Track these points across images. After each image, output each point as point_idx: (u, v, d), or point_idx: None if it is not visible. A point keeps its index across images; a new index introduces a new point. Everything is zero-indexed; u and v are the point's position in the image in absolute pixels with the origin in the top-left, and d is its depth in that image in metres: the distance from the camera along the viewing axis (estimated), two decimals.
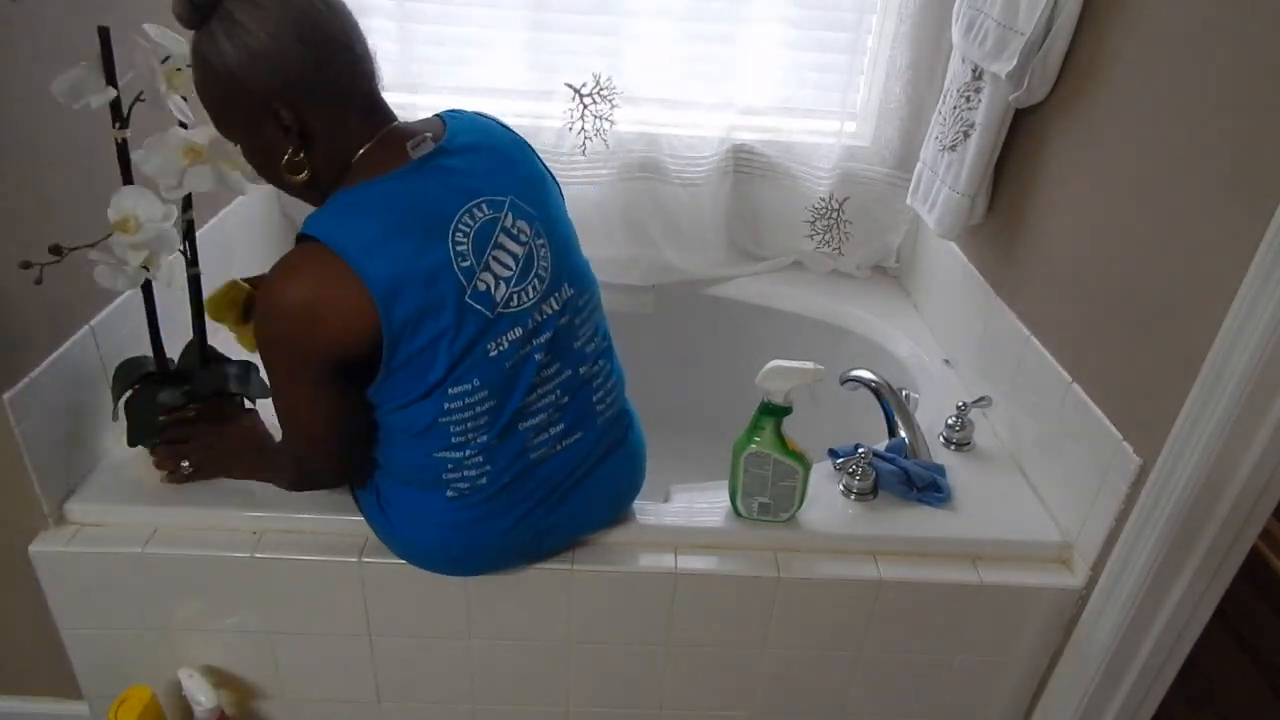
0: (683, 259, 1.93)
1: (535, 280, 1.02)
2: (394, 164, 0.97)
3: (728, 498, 1.26)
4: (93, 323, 1.23)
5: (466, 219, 0.97)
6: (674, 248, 1.93)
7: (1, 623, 1.28)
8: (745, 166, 1.90)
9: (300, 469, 1.12)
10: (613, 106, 1.78)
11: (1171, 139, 1.09)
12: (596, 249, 1.91)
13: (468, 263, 0.97)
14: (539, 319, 1.03)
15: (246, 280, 1.22)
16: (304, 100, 0.93)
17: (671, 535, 1.25)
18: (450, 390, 1.00)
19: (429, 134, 0.99)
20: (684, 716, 1.36)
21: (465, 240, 0.97)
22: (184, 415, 1.20)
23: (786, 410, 1.17)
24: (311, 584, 1.21)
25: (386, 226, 0.94)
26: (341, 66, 0.93)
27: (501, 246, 0.99)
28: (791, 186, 1.90)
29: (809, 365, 1.14)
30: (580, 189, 1.85)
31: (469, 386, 1.00)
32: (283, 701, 1.34)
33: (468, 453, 1.05)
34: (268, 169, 1.00)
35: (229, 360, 1.25)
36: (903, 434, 1.39)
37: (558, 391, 1.08)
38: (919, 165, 1.68)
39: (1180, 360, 1.05)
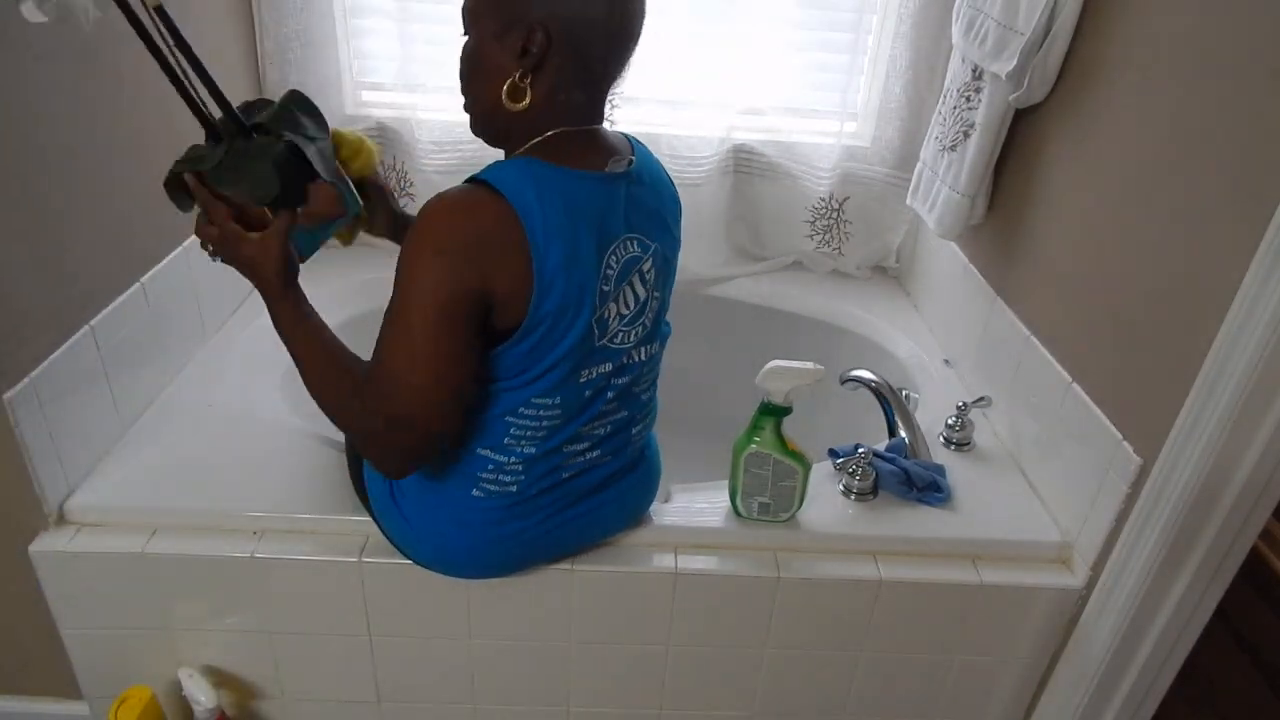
0: (683, 259, 1.93)
1: (639, 327, 1.05)
2: (591, 165, 0.97)
3: (728, 498, 1.26)
4: (93, 323, 1.23)
5: (622, 248, 0.99)
6: None
7: (1, 623, 1.28)
8: (745, 166, 1.90)
9: (372, 403, 0.94)
10: (613, 106, 1.77)
11: (1171, 139, 1.09)
12: None
13: (608, 287, 0.98)
14: (626, 362, 1.06)
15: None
16: (563, 46, 0.90)
17: (671, 535, 1.25)
18: (534, 399, 1.00)
19: (630, 158, 1.01)
20: (684, 716, 1.36)
21: (615, 266, 0.98)
22: (206, 185, 0.97)
23: (786, 410, 1.17)
24: (311, 584, 1.21)
25: (573, 220, 0.92)
26: (614, 49, 0.94)
27: (632, 285, 1.02)
28: (792, 186, 1.90)
29: (809, 365, 1.14)
30: None
31: (550, 401, 1.01)
32: (283, 701, 1.34)
33: (511, 458, 1.05)
34: (473, 79, 0.97)
35: (281, 132, 0.98)
36: (903, 434, 1.39)
37: (609, 427, 1.10)
38: (919, 165, 1.68)
39: (1180, 360, 1.05)
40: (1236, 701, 1.39)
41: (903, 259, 1.99)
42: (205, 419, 1.37)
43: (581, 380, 1.01)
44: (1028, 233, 1.42)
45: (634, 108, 1.79)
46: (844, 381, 1.47)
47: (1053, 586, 1.23)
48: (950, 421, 1.43)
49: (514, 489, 1.07)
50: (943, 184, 1.55)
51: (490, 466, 1.05)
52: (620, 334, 1.02)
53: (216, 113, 0.98)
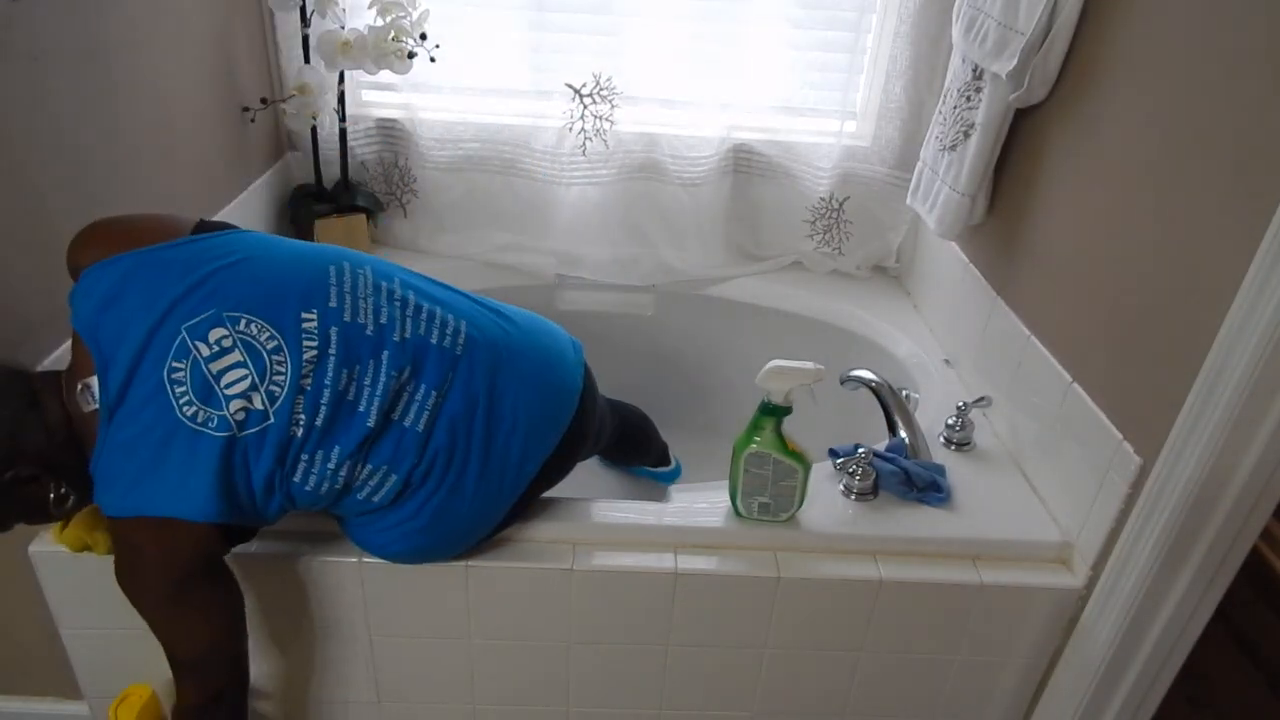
0: (683, 259, 1.93)
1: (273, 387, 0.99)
2: None
3: (728, 498, 1.26)
4: None
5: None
6: (674, 248, 1.93)
7: (1, 623, 1.28)
8: (745, 166, 1.90)
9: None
10: (613, 106, 1.78)
11: (1171, 139, 1.09)
12: (596, 249, 1.92)
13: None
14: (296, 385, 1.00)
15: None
16: None
17: (671, 535, 1.25)
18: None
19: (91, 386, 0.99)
20: (684, 716, 1.36)
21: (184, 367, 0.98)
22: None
23: (786, 410, 1.17)
24: (312, 584, 1.21)
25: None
26: None
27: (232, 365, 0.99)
28: (791, 186, 1.90)
29: (809, 365, 1.14)
30: (580, 189, 1.85)
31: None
32: (283, 701, 1.34)
33: (330, 462, 1.01)
34: None
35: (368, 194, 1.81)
36: (903, 434, 1.39)
37: (381, 383, 1.03)
38: (919, 165, 1.68)
39: (1180, 360, 1.05)
40: (1236, 701, 1.39)
41: (903, 259, 1.99)
42: None
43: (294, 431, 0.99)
44: (1028, 232, 1.42)
45: (634, 108, 1.79)
46: (844, 381, 1.47)
47: (1053, 586, 1.23)
48: (950, 421, 1.43)
49: (393, 479, 1.04)
50: (943, 184, 1.55)
51: (361, 498, 1.05)
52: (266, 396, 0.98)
53: None
